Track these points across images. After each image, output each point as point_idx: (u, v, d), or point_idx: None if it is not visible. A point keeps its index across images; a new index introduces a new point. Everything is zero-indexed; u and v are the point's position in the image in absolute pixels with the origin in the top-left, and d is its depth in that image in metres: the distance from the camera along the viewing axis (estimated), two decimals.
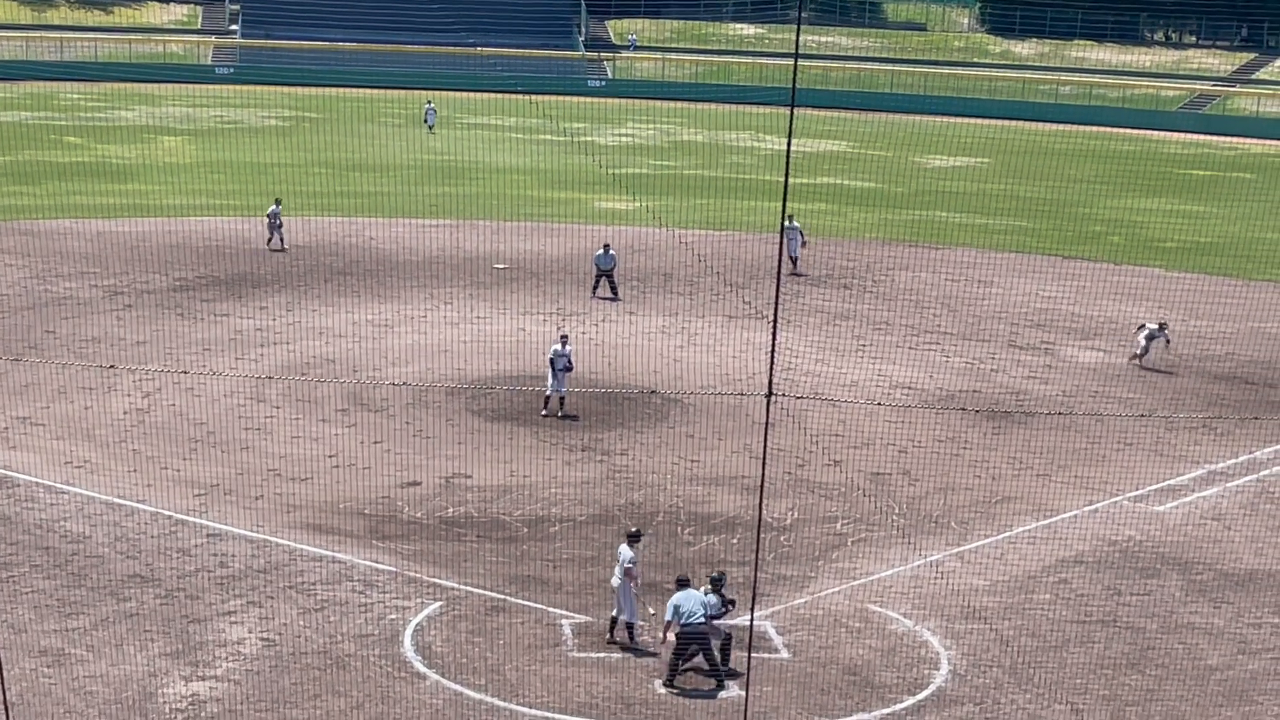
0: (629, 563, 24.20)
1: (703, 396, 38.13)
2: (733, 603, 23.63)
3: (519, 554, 28.13)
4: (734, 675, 23.26)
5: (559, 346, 36.81)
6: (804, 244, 54.47)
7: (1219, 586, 28.26)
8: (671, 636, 23.21)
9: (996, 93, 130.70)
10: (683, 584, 23.42)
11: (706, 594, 23.44)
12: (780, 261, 20.03)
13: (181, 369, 38.67)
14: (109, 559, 27.10)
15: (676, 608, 23.07)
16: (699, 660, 23.35)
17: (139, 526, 28.65)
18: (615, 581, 24.43)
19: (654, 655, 24.06)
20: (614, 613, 24.64)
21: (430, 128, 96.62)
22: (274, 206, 55.99)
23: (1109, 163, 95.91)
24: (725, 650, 23.59)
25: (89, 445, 33.32)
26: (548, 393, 36.87)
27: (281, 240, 55.73)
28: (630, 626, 24.49)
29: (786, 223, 54.66)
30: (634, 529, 25.44)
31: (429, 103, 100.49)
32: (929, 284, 54.80)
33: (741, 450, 34.34)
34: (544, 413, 36.75)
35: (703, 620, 23.02)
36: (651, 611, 24.67)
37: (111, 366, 38.52)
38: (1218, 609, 27.22)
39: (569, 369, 36.78)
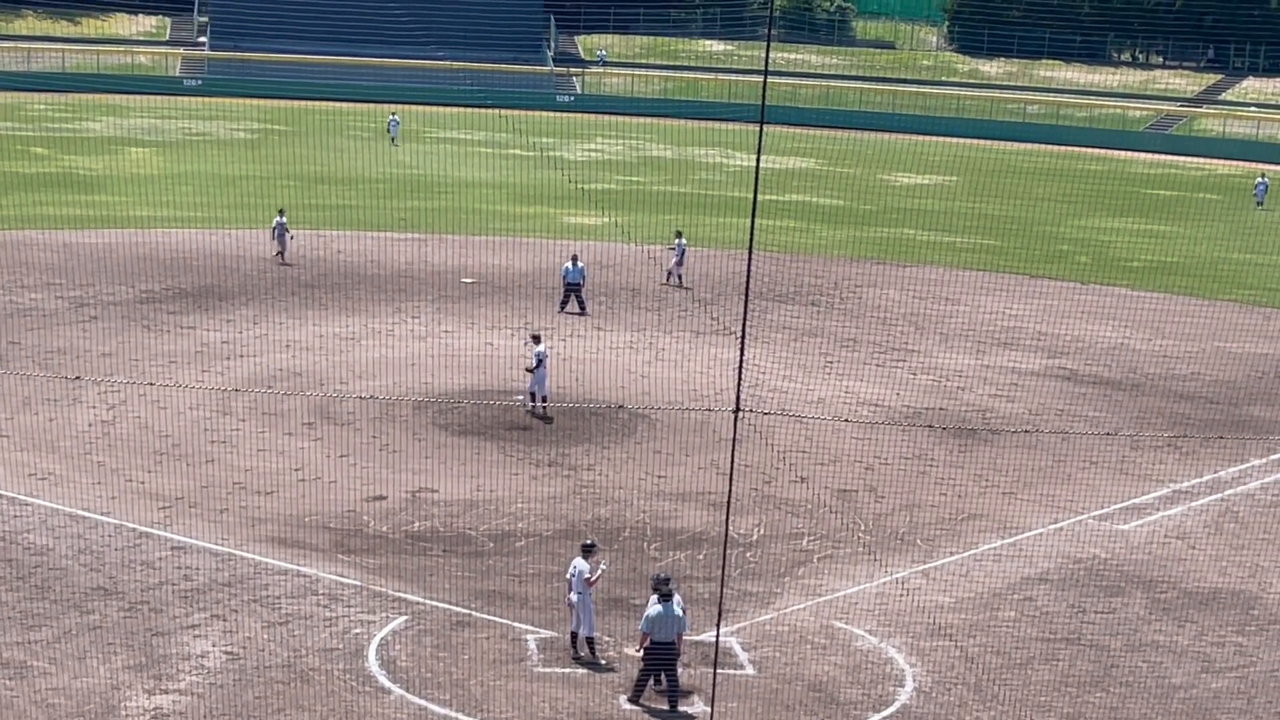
0: (587, 573, 24.17)
1: (670, 412, 38.13)
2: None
3: (484, 569, 28.08)
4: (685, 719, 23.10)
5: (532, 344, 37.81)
6: (678, 261, 55.00)
7: (1183, 605, 28.36)
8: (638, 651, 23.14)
9: (964, 111, 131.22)
10: (665, 597, 22.95)
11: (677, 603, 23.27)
12: (749, 278, 20.04)
13: (147, 381, 38.46)
14: (72, 571, 26.93)
15: (651, 620, 22.91)
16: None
17: (103, 539, 28.48)
18: (574, 597, 24.38)
19: (614, 671, 24.03)
20: (573, 628, 24.60)
21: (393, 140, 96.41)
22: (279, 218, 55.69)
23: (1076, 182, 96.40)
24: (672, 701, 23.12)
25: (53, 457, 33.11)
26: (531, 389, 37.68)
27: (282, 253, 55.38)
28: (590, 641, 24.44)
29: (675, 239, 55.66)
30: (588, 541, 25.43)
31: (393, 114, 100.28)
32: (896, 301, 54.96)
33: (708, 466, 34.33)
34: (529, 408, 37.70)
35: (674, 641, 22.91)
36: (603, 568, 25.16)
37: (76, 378, 38.31)
38: (1181, 628, 27.33)
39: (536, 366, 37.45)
